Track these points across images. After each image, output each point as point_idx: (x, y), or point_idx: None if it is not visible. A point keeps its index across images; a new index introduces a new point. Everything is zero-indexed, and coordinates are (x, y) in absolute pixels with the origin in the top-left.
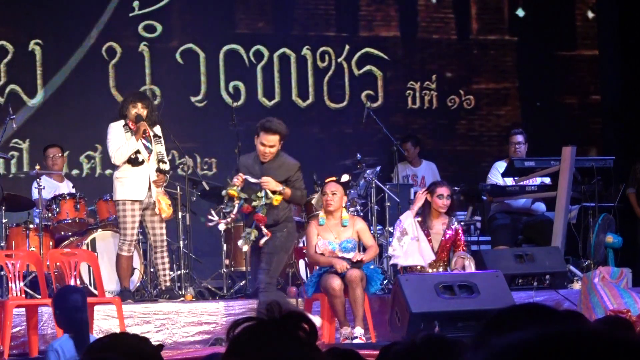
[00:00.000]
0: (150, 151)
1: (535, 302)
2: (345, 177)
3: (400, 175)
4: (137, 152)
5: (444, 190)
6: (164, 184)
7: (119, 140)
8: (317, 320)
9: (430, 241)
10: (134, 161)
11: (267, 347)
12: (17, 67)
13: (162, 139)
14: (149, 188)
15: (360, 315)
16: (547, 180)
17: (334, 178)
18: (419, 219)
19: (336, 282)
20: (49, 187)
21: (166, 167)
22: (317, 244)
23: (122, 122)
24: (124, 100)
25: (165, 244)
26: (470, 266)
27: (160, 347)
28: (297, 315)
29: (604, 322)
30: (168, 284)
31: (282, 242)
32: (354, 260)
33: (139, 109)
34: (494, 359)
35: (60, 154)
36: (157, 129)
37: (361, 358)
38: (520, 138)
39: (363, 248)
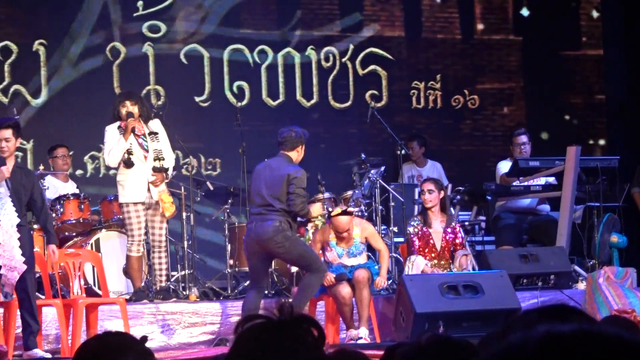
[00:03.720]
0: (147, 150)
1: (563, 303)
2: (352, 209)
3: (405, 175)
4: (130, 153)
5: (425, 186)
6: (163, 183)
7: (112, 143)
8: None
9: (432, 240)
10: (127, 163)
11: (272, 347)
12: (21, 67)
13: (159, 135)
14: (148, 189)
15: (365, 316)
16: (552, 179)
17: (339, 211)
18: (420, 220)
19: (345, 291)
20: (53, 187)
21: (165, 163)
22: (325, 253)
23: (117, 123)
24: (114, 102)
25: (164, 244)
26: (467, 262)
27: (144, 339)
28: (306, 319)
29: (608, 322)
30: (163, 284)
31: None
32: (377, 289)
33: (128, 107)
34: (502, 355)
35: (68, 154)
36: (155, 125)
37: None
38: (524, 138)
39: (369, 249)
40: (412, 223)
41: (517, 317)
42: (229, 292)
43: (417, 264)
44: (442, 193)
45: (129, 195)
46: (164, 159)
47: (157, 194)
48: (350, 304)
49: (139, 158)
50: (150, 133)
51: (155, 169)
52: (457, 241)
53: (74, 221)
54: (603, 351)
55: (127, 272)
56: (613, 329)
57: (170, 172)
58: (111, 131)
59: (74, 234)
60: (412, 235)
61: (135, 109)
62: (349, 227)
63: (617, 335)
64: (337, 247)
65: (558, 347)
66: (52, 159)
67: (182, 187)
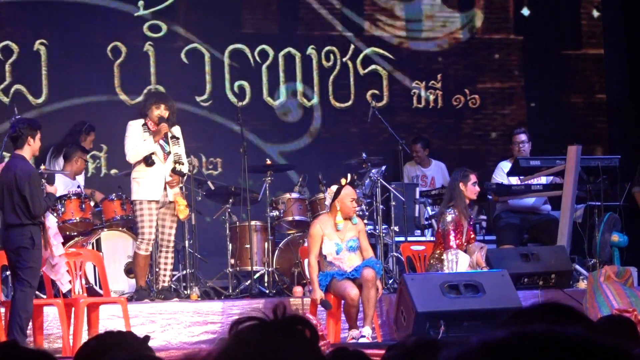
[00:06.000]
0: (167, 152)
1: (558, 302)
2: (349, 176)
3: (410, 175)
4: (153, 152)
5: (474, 177)
6: (179, 185)
7: (136, 139)
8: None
9: (463, 233)
10: (147, 161)
11: (265, 349)
12: (22, 67)
13: (180, 140)
14: (165, 188)
15: (371, 315)
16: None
17: (344, 180)
18: (455, 212)
19: (354, 292)
20: (65, 183)
21: (183, 168)
22: (323, 246)
23: (141, 121)
24: (147, 100)
25: (172, 244)
26: (482, 258)
27: (147, 338)
28: (300, 320)
29: (607, 321)
30: (166, 284)
31: None
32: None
33: (162, 111)
34: (468, 355)
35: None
36: (176, 130)
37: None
38: (523, 137)
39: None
40: (450, 212)
41: (505, 319)
42: (230, 291)
43: (461, 262)
44: None
45: (144, 193)
46: (183, 164)
47: (172, 194)
48: (358, 306)
49: (159, 158)
50: (172, 137)
51: (174, 171)
52: (472, 235)
53: (75, 221)
54: (538, 353)
55: (129, 270)
56: (552, 327)
57: (185, 177)
58: (135, 127)
59: (75, 233)
60: (451, 226)
61: (166, 114)
62: (355, 194)
63: (552, 334)
64: (339, 244)
65: (494, 356)
66: (76, 159)
67: (183, 187)
